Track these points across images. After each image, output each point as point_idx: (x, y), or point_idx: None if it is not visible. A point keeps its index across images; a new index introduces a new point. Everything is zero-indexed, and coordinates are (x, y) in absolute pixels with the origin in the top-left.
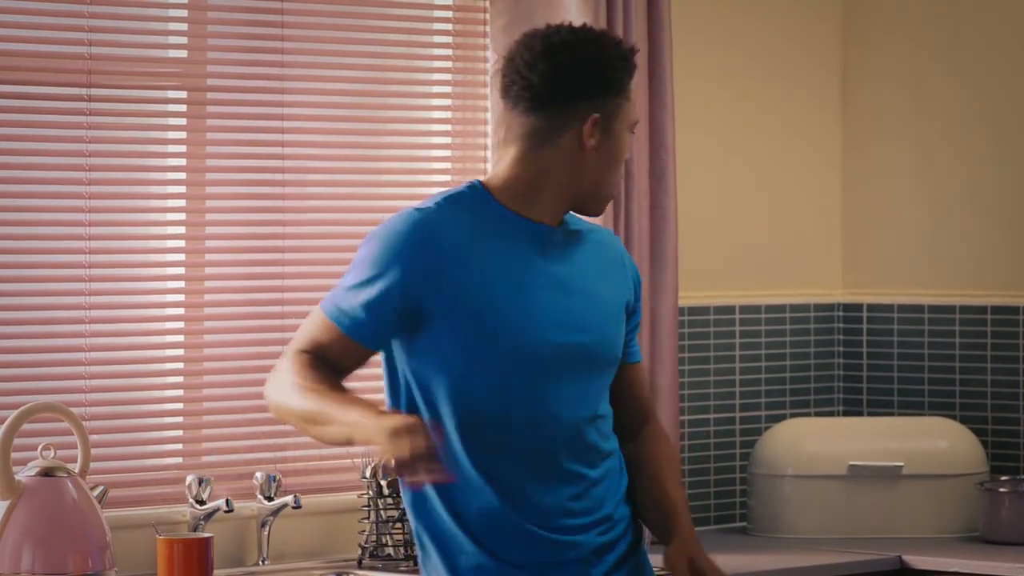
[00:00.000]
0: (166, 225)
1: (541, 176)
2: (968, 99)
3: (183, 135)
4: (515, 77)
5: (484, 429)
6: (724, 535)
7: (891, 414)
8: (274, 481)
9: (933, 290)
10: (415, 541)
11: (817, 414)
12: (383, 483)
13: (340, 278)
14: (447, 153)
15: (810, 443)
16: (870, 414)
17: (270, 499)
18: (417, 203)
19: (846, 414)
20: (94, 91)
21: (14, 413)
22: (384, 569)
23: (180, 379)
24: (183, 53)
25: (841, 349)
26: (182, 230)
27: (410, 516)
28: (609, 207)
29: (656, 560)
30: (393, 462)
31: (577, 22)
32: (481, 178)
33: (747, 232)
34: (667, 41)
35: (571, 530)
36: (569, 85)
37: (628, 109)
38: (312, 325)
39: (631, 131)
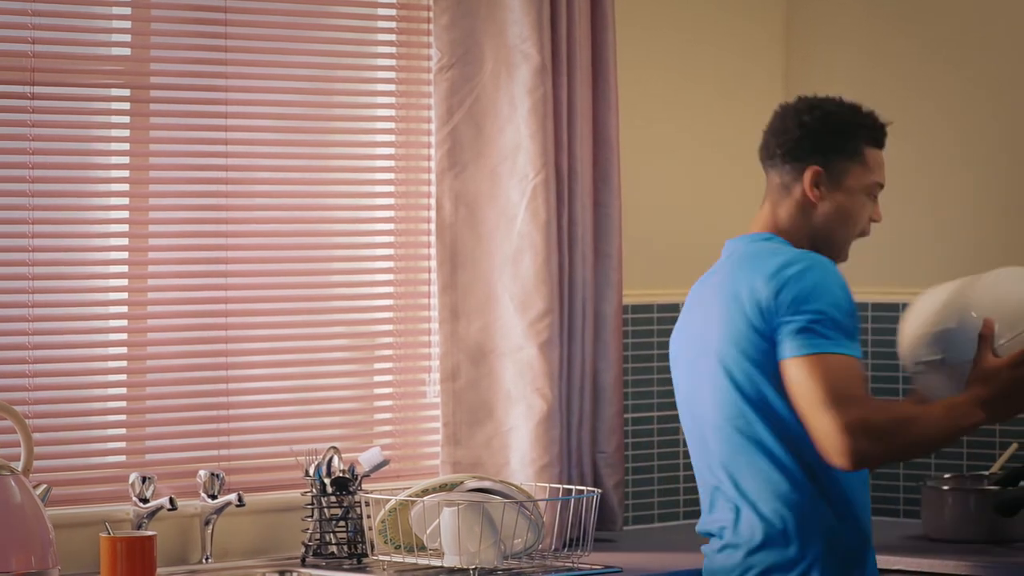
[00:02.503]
0: (109, 223)
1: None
2: (918, 96)
3: (126, 133)
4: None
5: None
6: (669, 533)
7: None
8: (217, 479)
9: (875, 288)
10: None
11: None
12: (326, 481)
13: (288, 276)
14: (391, 151)
15: None
16: None
17: (213, 497)
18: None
19: None
20: (37, 89)
21: None
22: (327, 567)
23: (123, 377)
24: (127, 51)
25: None
26: (125, 228)
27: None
28: (552, 204)
29: None
30: None
31: (521, 19)
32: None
33: (691, 230)
34: (611, 39)
35: None
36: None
37: (859, 171)
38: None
39: (869, 195)
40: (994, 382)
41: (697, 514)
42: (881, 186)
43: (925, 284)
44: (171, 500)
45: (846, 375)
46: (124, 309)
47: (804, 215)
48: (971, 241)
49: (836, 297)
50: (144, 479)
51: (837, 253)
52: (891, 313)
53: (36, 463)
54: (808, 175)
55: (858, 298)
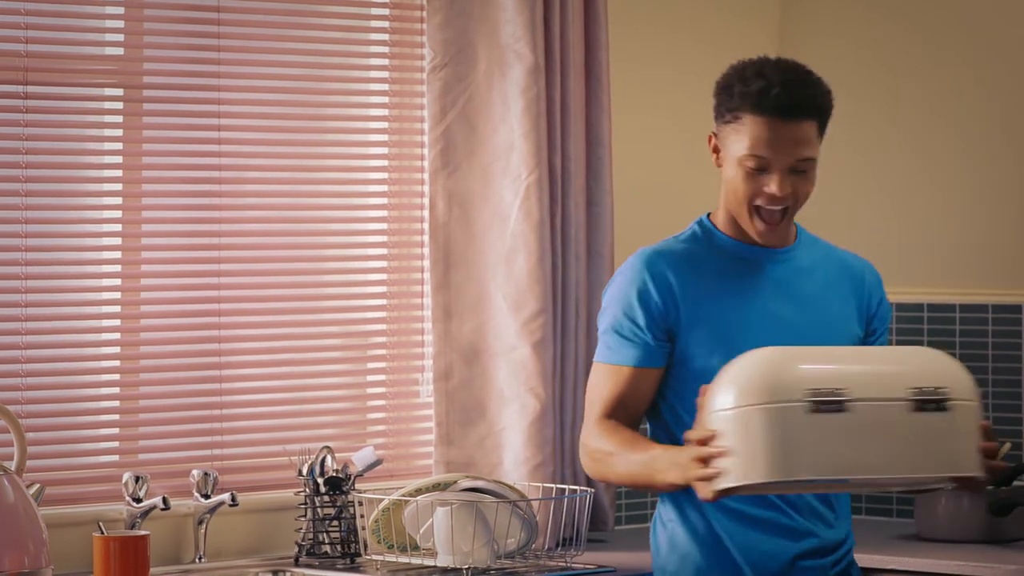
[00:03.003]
0: (102, 223)
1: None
2: (913, 95)
3: (119, 132)
4: None
5: None
6: None
7: None
8: (211, 479)
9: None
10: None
11: None
12: (319, 481)
13: (281, 276)
14: (384, 151)
15: None
16: None
17: (207, 497)
18: None
19: None
20: (30, 88)
21: None
22: (321, 567)
23: (116, 377)
24: (119, 51)
25: None
26: (119, 228)
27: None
28: (546, 204)
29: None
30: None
31: (515, 19)
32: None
33: (684, 218)
34: (604, 39)
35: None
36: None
37: (736, 139)
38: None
39: (747, 166)
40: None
41: None
42: (762, 159)
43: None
44: (164, 500)
45: (592, 386)
46: (117, 309)
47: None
48: (970, 240)
49: (609, 301)
50: (137, 479)
51: (745, 226)
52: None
53: (29, 462)
54: (709, 140)
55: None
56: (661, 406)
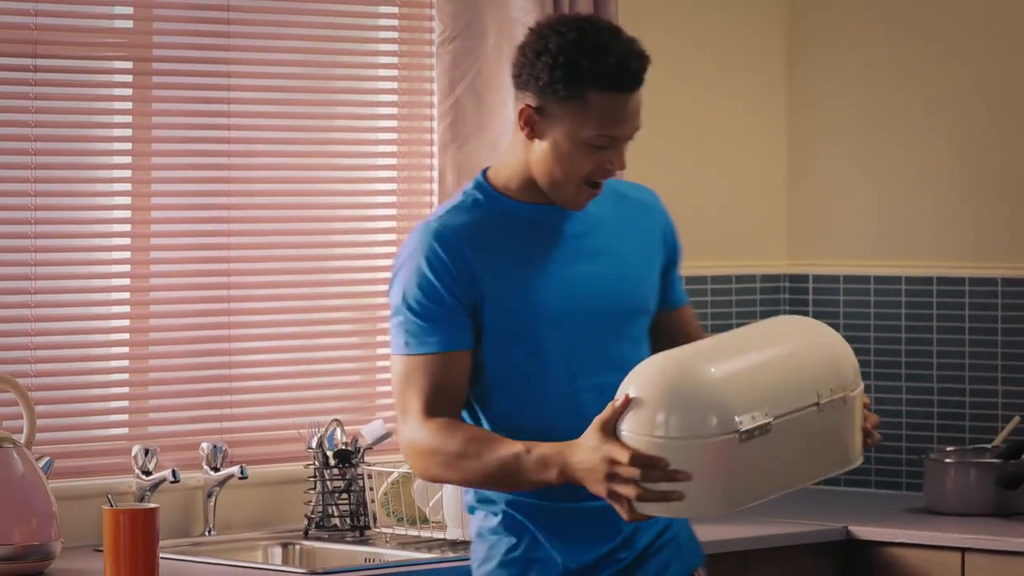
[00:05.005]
0: (112, 195)
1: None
2: (915, 71)
3: (129, 105)
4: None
5: (524, 416)
6: None
7: None
8: (220, 452)
9: (879, 261)
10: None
11: None
12: (329, 454)
13: (285, 249)
14: (393, 124)
15: None
16: None
17: (216, 470)
18: None
19: None
20: (40, 61)
21: None
22: (330, 540)
23: (126, 350)
24: (129, 23)
25: None
26: (128, 201)
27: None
28: None
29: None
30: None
31: (524, 3)
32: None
33: (692, 202)
34: (613, 11)
35: None
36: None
37: (580, 118)
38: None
39: (584, 145)
40: (591, 459)
41: None
42: (611, 137)
43: (871, 255)
44: (174, 472)
45: (402, 380)
46: (126, 281)
47: (523, 150)
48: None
49: (403, 285)
50: (147, 451)
51: (557, 199)
52: (833, 285)
53: (38, 435)
54: (521, 111)
55: (804, 269)
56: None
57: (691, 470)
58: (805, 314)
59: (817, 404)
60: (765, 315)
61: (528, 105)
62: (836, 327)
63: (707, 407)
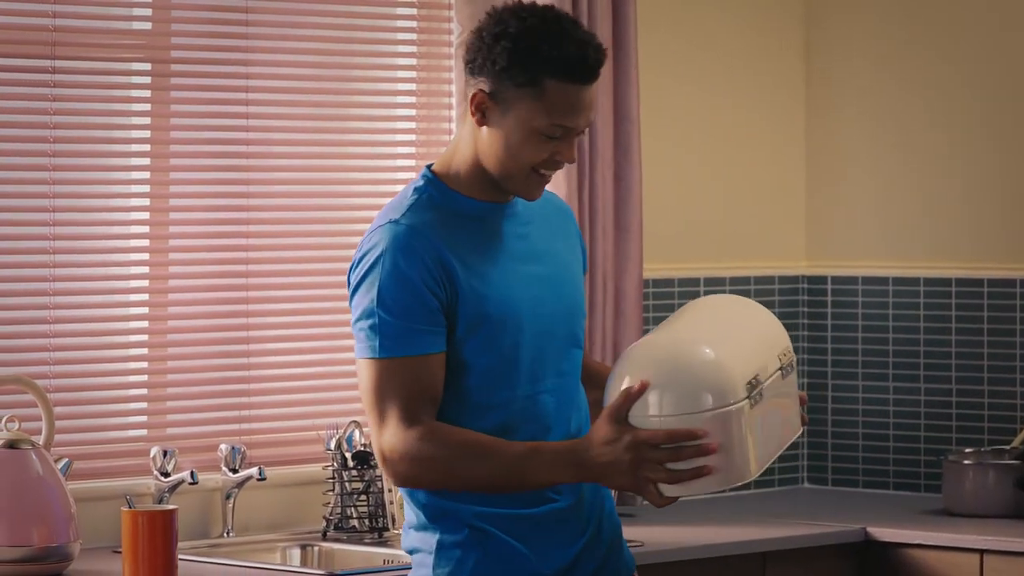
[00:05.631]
0: (130, 197)
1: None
2: (933, 71)
3: (147, 107)
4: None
5: (484, 419)
6: (687, 507)
7: (855, 385)
8: (238, 453)
9: (897, 262)
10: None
11: None
12: (347, 455)
13: (304, 250)
14: (411, 125)
15: None
16: (834, 386)
17: (235, 471)
18: None
19: (811, 387)
20: (58, 63)
21: None
22: (349, 541)
23: (144, 351)
24: (147, 25)
25: (806, 321)
26: (146, 202)
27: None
28: (573, 178)
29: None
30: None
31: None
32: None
33: (711, 204)
34: (632, 12)
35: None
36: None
37: (535, 107)
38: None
39: (537, 134)
40: (612, 452)
41: None
42: (565, 128)
43: (889, 256)
44: (192, 474)
45: (379, 386)
46: (145, 283)
47: (472, 138)
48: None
49: (381, 286)
50: (165, 453)
51: (509, 188)
52: (852, 286)
53: (57, 437)
54: (474, 96)
55: (823, 271)
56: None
57: (719, 441)
58: (824, 315)
59: (781, 368)
60: (784, 316)
61: (481, 90)
62: (855, 328)
63: (722, 378)
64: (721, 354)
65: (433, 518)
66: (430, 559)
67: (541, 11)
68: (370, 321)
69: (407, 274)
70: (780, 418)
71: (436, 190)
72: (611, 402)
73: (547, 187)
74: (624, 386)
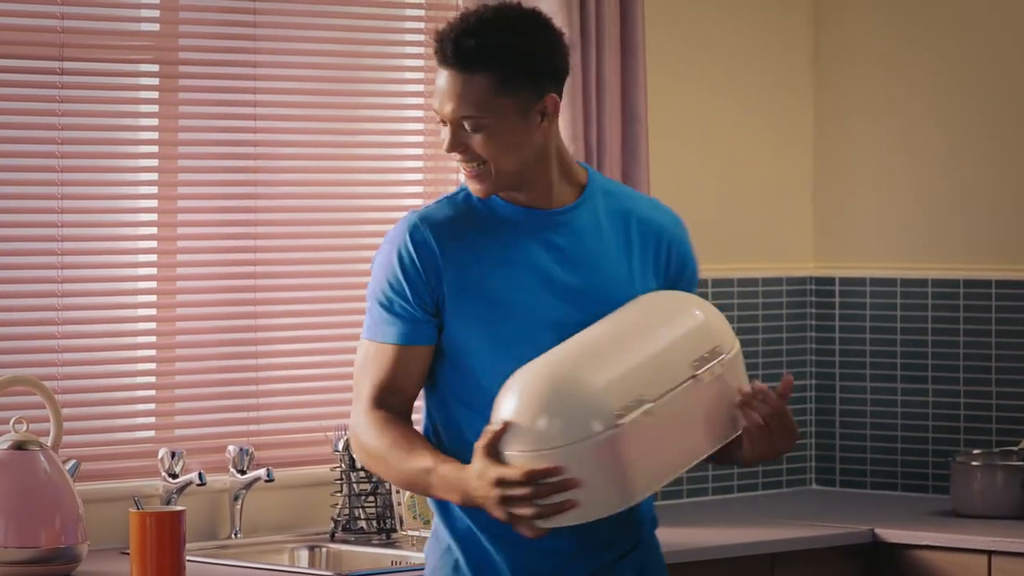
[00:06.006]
0: (138, 199)
1: None
2: (941, 74)
3: (155, 108)
4: None
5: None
6: (698, 508)
7: (863, 386)
8: (246, 454)
9: (905, 263)
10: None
11: None
12: (355, 456)
13: (317, 252)
14: (420, 126)
15: None
16: (842, 387)
17: (243, 472)
18: None
19: (818, 387)
20: (66, 64)
21: None
22: (356, 543)
23: (152, 352)
24: (155, 26)
25: (814, 323)
26: (154, 203)
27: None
28: None
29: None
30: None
31: (550, 5)
32: None
33: (719, 205)
34: (640, 15)
35: None
36: None
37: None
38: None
39: (441, 122)
40: (482, 487)
41: (728, 489)
42: (436, 112)
43: (898, 257)
44: (200, 475)
45: (359, 365)
46: (153, 284)
47: None
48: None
49: (374, 270)
50: (173, 454)
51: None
52: (860, 287)
53: (65, 438)
54: None
55: (831, 272)
56: (432, 385)
57: (581, 474)
58: (832, 317)
59: (694, 376)
60: (792, 318)
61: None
62: (862, 329)
63: (584, 408)
64: (589, 381)
65: (438, 514)
66: (432, 555)
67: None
68: (369, 303)
69: (397, 268)
70: (693, 428)
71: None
72: (482, 435)
73: (659, 201)
74: (500, 410)
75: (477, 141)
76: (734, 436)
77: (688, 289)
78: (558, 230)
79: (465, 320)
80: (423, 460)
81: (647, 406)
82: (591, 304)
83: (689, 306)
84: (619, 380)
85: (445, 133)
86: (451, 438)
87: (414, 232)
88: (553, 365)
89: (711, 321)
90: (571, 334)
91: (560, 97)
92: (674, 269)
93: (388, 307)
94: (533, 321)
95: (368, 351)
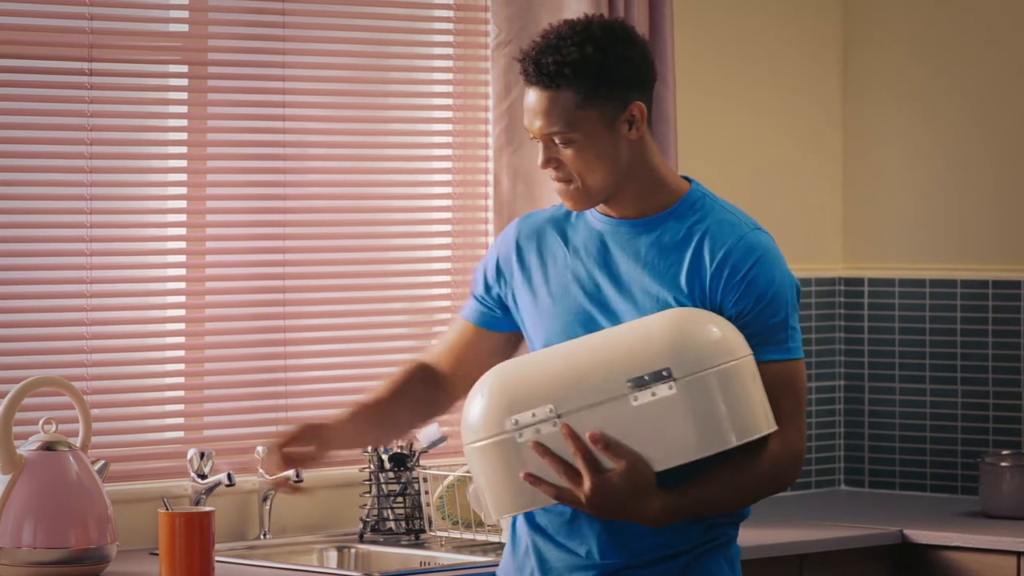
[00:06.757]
0: (167, 199)
1: None
2: (970, 76)
3: (184, 109)
4: None
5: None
6: None
7: (892, 387)
8: None
9: (934, 264)
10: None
11: (818, 388)
12: (384, 457)
13: (346, 252)
14: (448, 128)
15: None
16: (871, 388)
17: (271, 473)
18: None
19: (847, 388)
20: (95, 65)
21: (16, 387)
22: (385, 543)
23: (181, 353)
24: (184, 27)
25: (842, 323)
26: (183, 204)
27: None
28: None
29: None
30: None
31: (580, 9)
32: None
33: (748, 206)
34: (668, 15)
35: None
36: None
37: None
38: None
39: (532, 138)
40: None
41: None
42: (531, 132)
43: (927, 258)
44: (229, 476)
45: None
46: (182, 285)
47: None
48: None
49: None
50: (202, 455)
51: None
52: (889, 288)
53: (94, 439)
54: None
55: (859, 273)
56: None
57: (474, 474)
58: (860, 317)
59: (627, 394)
60: (820, 319)
61: None
62: (891, 330)
63: (491, 410)
64: (496, 383)
65: None
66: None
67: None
68: None
69: (489, 254)
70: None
71: None
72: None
73: (743, 218)
74: (472, 400)
75: (568, 156)
76: (691, 459)
77: (747, 309)
78: (639, 240)
79: (528, 322)
80: (363, 398)
81: (551, 416)
82: (619, 320)
83: (671, 325)
84: (528, 387)
85: (540, 150)
86: None
87: (510, 227)
88: (506, 365)
89: (679, 342)
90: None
91: (648, 104)
92: (727, 288)
93: (472, 290)
94: (567, 327)
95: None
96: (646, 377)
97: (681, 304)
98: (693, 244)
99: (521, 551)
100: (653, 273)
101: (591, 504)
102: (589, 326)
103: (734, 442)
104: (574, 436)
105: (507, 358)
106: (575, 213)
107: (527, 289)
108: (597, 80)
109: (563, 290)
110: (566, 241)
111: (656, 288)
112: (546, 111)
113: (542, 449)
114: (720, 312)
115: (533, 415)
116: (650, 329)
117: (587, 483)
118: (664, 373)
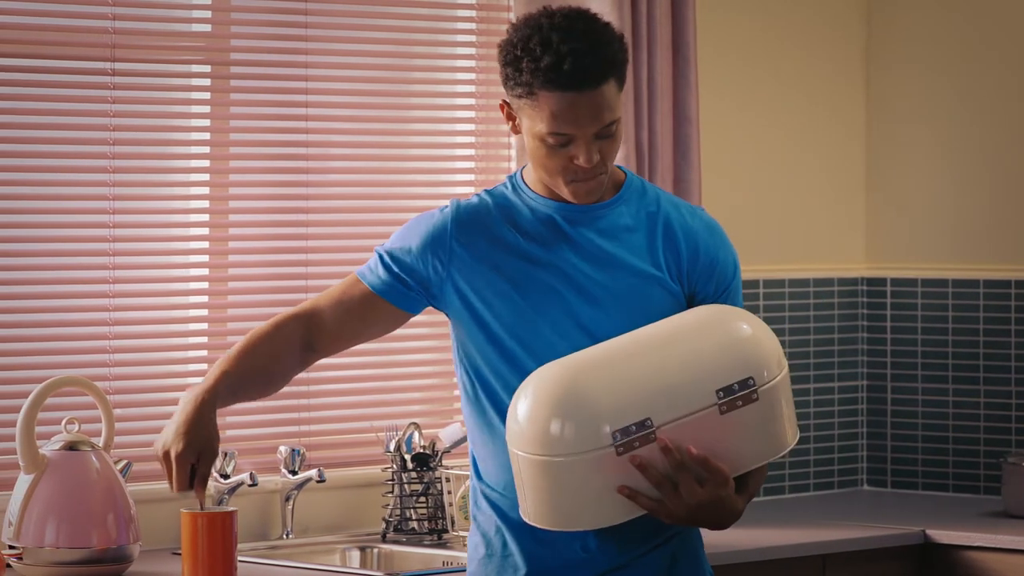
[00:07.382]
0: (190, 199)
1: None
2: (993, 75)
3: (207, 109)
4: None
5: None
6: (747, 506)
7: (915, 387)
8: (298, 455)
9: (957, 264)
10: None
11: (841, 388)
12: (407, 457)
13: (363, 253)
14: (471, 127)
15: None
16: (894, 388)
17: (294, 473)
18: None
19: (870, 388)
20: (118, 65)
21: (38, 387)
22: (408, 543)
23: (204, 353)
24: (207, 27)
25: (865, 323)
26: (206, 204)
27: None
28: None
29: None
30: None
31: (601, 4)
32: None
33: (770, 206)
34: (691, 16)
35: None
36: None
37: (531, 114)
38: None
39: (543, 142)
40: None
41: (779, 490)
42: (565, 135)
43: (949, 258)
44: (252, 476)
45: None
46: (204, 285)
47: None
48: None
49: (402, 228)
50: (225, 455)
51: (561, 193)
52: (911, 288)
53: (117, 439)
54: (500, 106)
55: (882, 273)
56: (470, 372)
57: (544, 487)
58: (883, 317)
59: (716, 404)
60: (843, 319)
61: (503, 100)
62: (914, 330)
63: (591, 421)
64: (595, 393)
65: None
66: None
67: (537, 19)
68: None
69: (414, 229)
70: (721, 447)
71: (511, 184)
72: None
73: (700, 209)
74: (514, 404)
75: (607, 146)
76: (764, 463)
77: (724, 293)
78: (594, 226)
79: (489, 312)
80: (216, 369)
81: (646, 431)
82: (606, 301)
83: (734, 326)
84: (623, 402)
85: (572, 152)
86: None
87: (435, 212)
88: (566, 373)
89: (749, 340)
90: (583, 328)
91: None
92: (700, 272)
93: (384, 260)
94: (548, 313)
95: (347, 279)
96: (735, 387)
97: (661, 280)
98: (660, 226)
99: (497, 556)
100: (625, 249)
101: (689, 516)
102: (560, 305)
103: (791, 444)
104: (675, 449)
105: (387, 333)
106: (511, 201)
107: (477, 272)
108: (624, 64)
109: (523, 274)
110: (515, 226)
111: (632, 261)
112: (608, 105)
113: (643, 463)
114: (693, 293)
115: (632, 428)
116: (717, 335)
117: (688, 496)
118: (750, 382)
